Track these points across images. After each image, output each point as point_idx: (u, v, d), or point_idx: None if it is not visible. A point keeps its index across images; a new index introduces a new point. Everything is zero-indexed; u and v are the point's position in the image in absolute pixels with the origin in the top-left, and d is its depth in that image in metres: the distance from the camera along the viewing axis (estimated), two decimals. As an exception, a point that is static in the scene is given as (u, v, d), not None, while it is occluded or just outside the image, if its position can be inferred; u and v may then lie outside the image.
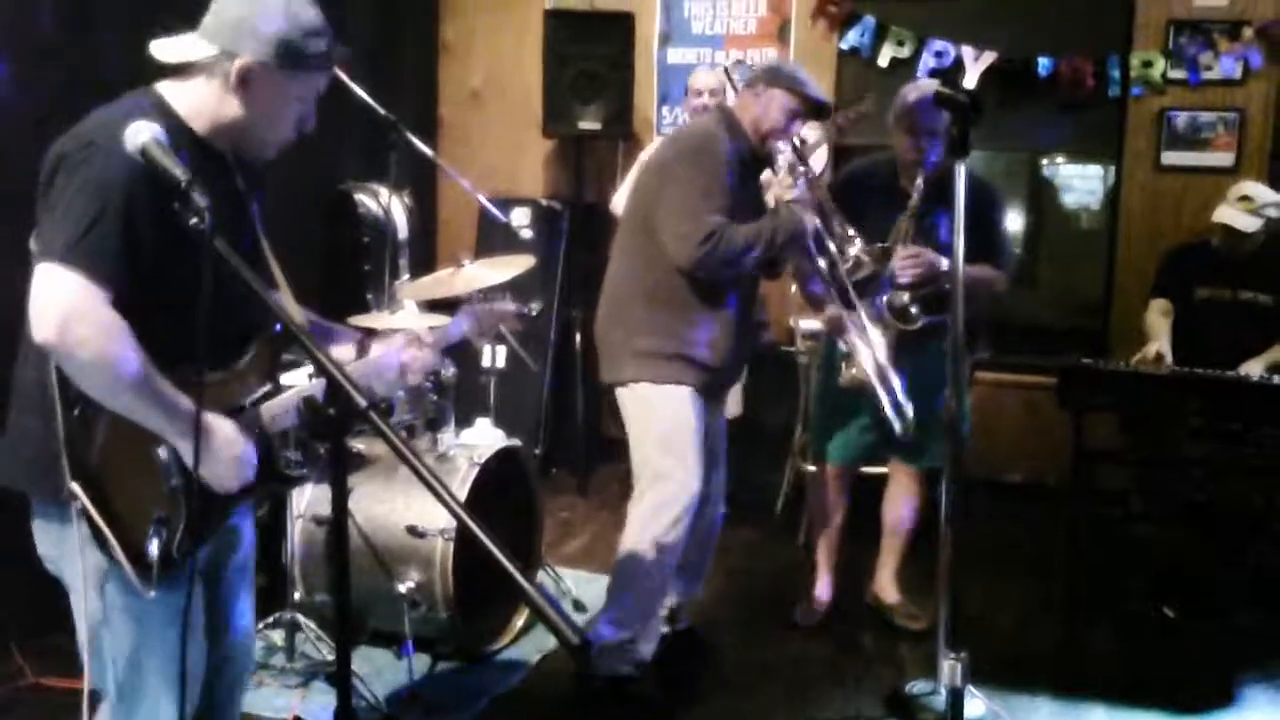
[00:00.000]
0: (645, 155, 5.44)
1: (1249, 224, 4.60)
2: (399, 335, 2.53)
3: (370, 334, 2.54)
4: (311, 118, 2.22)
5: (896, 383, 3.74)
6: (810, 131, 4.23)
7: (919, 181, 3.84)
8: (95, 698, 2.19)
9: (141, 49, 2.12)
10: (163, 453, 2.03)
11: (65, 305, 1.88)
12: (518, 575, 1.36)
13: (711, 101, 5.14)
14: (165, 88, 2.13)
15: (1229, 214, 4.65)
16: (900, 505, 4.28)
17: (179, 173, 1.83)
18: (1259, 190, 4.70)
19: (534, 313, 2.84)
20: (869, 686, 3.84)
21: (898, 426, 3.72)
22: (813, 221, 3.57)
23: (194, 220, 1.79)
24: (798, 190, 3.61)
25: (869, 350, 3.74)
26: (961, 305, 2.57)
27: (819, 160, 4.42)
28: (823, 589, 4.37)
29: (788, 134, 3.57)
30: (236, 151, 2.22)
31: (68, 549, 2.05)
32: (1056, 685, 3.81)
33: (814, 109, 3.59)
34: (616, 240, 3.75)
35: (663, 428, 3.52)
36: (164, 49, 2.11)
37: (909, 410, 3.73)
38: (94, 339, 1.89)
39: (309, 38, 2.10)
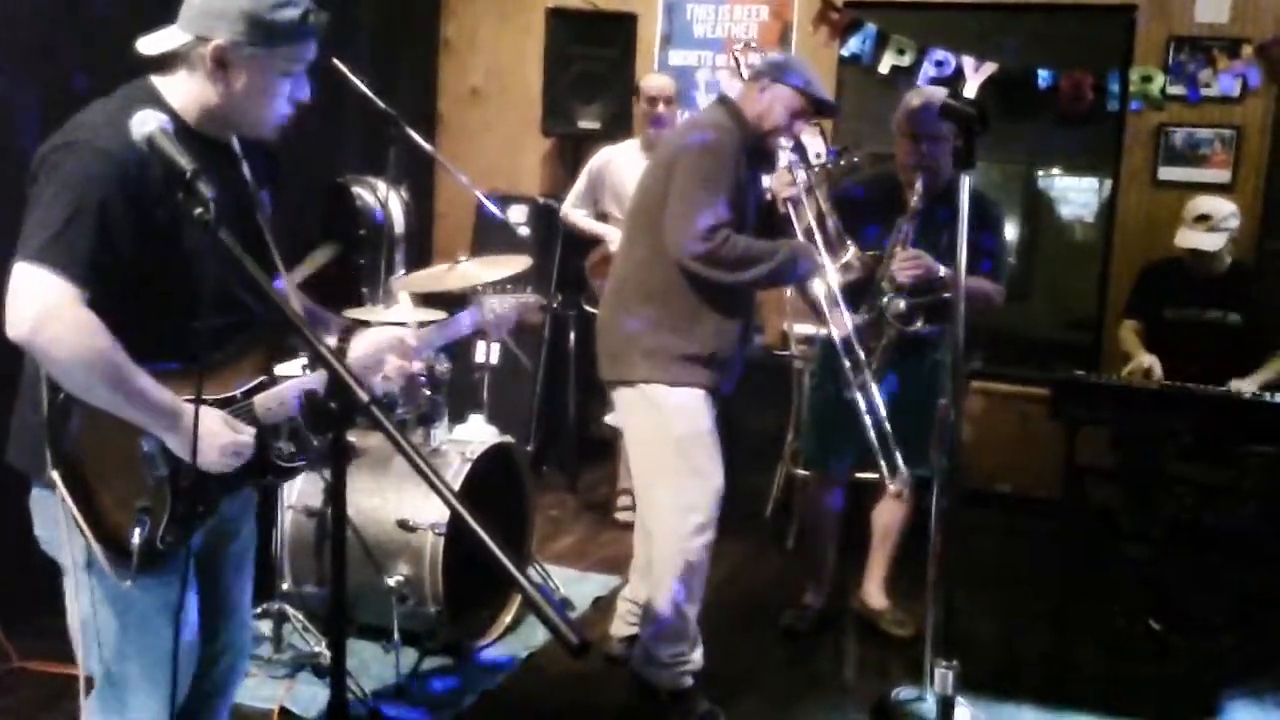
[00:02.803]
0: (595, 161, 5.38)
1: (1213, 242, 4.54)
2: (382, 335, 2.36)
3: (354, 326, 2.43)
4: (304, 89, 2.16)
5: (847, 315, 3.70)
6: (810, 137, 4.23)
7: (918, 184, 3.84)
8: (89, 682, 2.19)
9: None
10: (147, 444, 2.03)
11: (39, 304, 1.88)
12: (519, 575, 1.35)
13: (666, 110, 5.13)
14: (157, 81, 2.11)
15: (1191, 237, 4.59)
16: (890, 512, 4.28)
17: (184, 162, 1.83)
18: (1215, 205, 4.64)
19: (556, 304, 2.80)
20: (855, 693, 3.85)
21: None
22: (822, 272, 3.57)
23: (199, 210, 1.78)
24: (797, 188, 3.60)
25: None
26: (963, 316, 2.57)
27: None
28: (812, 595, 4.36)
29: (790, 132, 3.55)
30: (242, 140, 2.20)
31: (60, 531, 2.06)
32: (1042, 697, 3.82)
33: (818, 108, 3.58)
34: (624, 237, 3.72)
35: (680, 431, 3.45)
36: (148, 43, 2.09)
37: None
38: (67, 337, 1.89)
39: (277, 9, 2.04)
